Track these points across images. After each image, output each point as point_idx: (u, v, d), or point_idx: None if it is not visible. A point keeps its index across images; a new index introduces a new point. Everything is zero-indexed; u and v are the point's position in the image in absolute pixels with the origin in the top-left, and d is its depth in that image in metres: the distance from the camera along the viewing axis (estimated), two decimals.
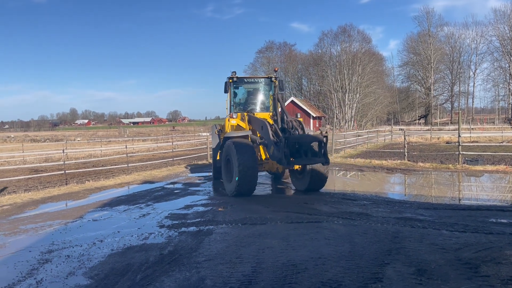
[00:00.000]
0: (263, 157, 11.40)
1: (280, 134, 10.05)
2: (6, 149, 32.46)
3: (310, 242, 6.33)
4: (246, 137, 11.28)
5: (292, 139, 9.59)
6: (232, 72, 12.47)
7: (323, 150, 9.52)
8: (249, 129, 11.65)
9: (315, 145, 9.70)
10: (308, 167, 10.54)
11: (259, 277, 4.94)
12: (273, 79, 12.74)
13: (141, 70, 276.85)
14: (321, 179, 10.79)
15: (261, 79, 13.07)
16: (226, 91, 12.54)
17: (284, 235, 6.78)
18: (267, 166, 11.39)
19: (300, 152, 9.58)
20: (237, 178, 10.14)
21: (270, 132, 10.08)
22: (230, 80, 12.52)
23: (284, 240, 6.48)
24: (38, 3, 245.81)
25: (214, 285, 4.76)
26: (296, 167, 11.04)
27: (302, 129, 10.46)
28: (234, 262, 5.54)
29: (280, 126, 10.74)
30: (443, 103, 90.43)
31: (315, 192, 11.13)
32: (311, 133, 10.66)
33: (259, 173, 11.11)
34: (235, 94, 12.96)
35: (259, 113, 12.25)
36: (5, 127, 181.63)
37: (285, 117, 10.84)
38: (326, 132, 9.83)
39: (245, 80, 13.08)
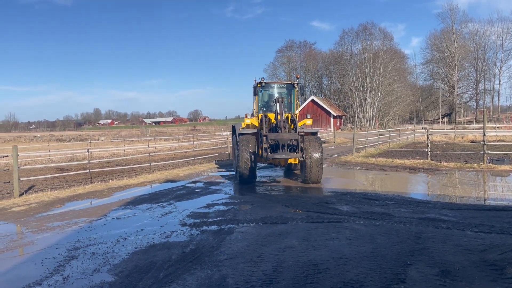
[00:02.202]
0: None
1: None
2: (33, 148, 33.32)
3: (331, 242, 6.31)
4: (255, 134, 13.15)
5: (271, 136, 11.42)
6: (261, 78, 14.21)
7: (300, 147, 11.34)
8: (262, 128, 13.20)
9: (293, 142, 11.49)
10: (307, 161, 12.03)
11: (280, 276, 4.96)
12: (295, 84, 14.48)
13: (163, 70, 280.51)
14: (314, 173, 12.16)
15: (285, 84, 14.93)
16: (255, 94, 14.25)
17: (305, 235, 6.78)
18: (273, 160, 12.62)
19: (279, 148, 11.39)
20: (238, 169, 12.49)
21: (265, 131, 11.94)
22: (259, 85, 14.21)
23: (305, 240, 6.48)
24: (63, 5, 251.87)
25: (235, 284, 4.80)
26: (292, 160, 13.17)
27: (295, 128, 12.17)
28: (255, 261, 5.57)
29: (274, 126, 12.60)
30: (467, 101, 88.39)
31: (336, 192, 11.08)
32: (306, 131, 12.52)
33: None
34: (262, 97, 14.65)
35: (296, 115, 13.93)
36: (32, 127, 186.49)
37: (278, 117, 12.40)
38: (302, 132, 11.67)
39: (271, 85, 14.84)
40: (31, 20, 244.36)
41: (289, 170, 15.83)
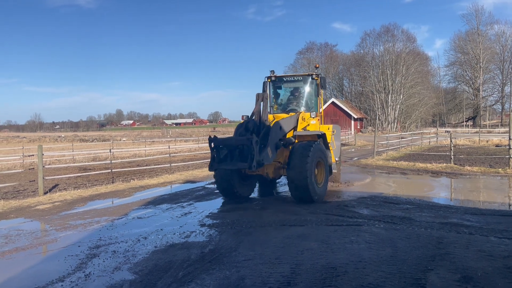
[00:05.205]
0: None
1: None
2: (57, 148, 34.08)
3: (350, 245, 6.26)
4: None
5: (219, 141, 9.16)
6: (271, 71, 11.92)
7: (251, 154, 8.60)
8: None
9: (246, 148, 8.87)
10: (288, 175, 9.75)
11: (298, 279, 4.95)
12: (314, 76, 11.82)
13: (184, 72, 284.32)
14: (296, 190, 9.61)
15: (301, 77, 12.18)
16: (264, 91, 11.65)
17: (324, 238, 6.75)
18: (261, 170, 10.06)
19: (227, 156, 9.16)
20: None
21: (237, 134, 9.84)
22: (269, 80, 11.96)
23: (323, 243, 6.45)
24: (88, 9, 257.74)
25: (253, 285, 4.82)
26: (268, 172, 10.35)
27: (268, 130, 9.53)
28: (273, 262, 5.57)
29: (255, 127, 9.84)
30: (492, 105, 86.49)
31: (356, 195, 10.95)
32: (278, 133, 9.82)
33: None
34: (275, 94, 12.30)
35: (304, 113, 11.39)
36: (56, 127, 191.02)
37: (260, 117, 9.93)
38: (252, 136, 8.75)
39: (284, 79, 12.26)
40: (57, 23, 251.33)
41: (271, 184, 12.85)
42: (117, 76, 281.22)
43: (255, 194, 11.62)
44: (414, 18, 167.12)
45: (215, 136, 9.23)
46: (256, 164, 8.49)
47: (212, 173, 10.53)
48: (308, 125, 11.26)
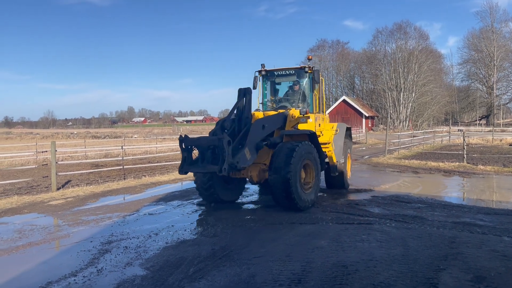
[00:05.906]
0: None
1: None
2: (70, 144, 34.43)
3: (361, 244, 6.24)
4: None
5: (189, 141, 8.33)
6: (262, 64, 11.09)
7: (222, 156, 7.73)
8: None
9: (218, 149, 7.95)
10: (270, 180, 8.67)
11: (308, 276, 4.95)
12: (307, 69, 10.71)
13: (196, 69, 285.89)
14: (279, 197, 8.64)
15: (294, 71, 11.09)
16: (254, 87, 10.82)
17: (334, 236, 6.73)
18: (244, 173, 9.44)
19: (198, 157, 8.43)
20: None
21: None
22: (260, 74, 11.09)
23: (334, 241, 6.43)
24: (101, 7, 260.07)
25: (264, 282, 4.82)
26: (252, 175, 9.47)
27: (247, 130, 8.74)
28: (283, 260, 5.57)
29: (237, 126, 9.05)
30: (506, 103, 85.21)
31: (367, 194, 10.90)
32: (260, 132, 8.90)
33: None
34: (266, 90, 11.37)
35: (294, 111, 10.22)
36: (69, 124, 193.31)
37: (242, 115, 9.14)
38: (223, 135, 7.88)
39: (275, 73, 11.15)
40: (70, 20, 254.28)
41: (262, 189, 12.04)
42: (129, 74, 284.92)
43: (258, 194, 11.61)
44: (427, 16, 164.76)
45: (186, 136, 8.40)
46: (227, 167, 7.58)
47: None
48: (298, 123, 10.07)
